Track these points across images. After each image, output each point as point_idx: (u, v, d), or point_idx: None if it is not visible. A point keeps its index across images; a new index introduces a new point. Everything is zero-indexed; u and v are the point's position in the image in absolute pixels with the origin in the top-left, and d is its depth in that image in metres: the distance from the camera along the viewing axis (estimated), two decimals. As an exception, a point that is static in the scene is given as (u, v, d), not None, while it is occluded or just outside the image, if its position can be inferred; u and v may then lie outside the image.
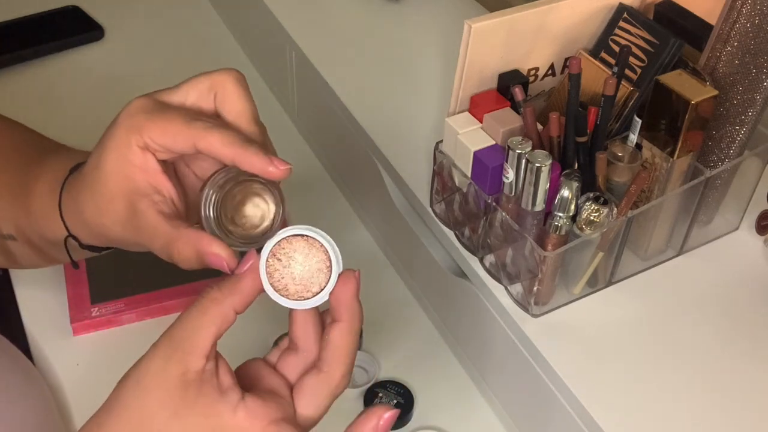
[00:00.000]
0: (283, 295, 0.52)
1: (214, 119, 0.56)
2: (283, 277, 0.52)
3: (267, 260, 0.52)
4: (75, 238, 0.62)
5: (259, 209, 0.55)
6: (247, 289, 0.52)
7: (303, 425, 0.54)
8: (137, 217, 0.56)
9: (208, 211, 0.54)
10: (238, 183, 0.54)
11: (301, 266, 0.52)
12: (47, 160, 0.66)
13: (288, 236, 0.51)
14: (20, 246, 0.68)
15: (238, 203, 0.54)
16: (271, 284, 0.52)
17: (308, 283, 0.52)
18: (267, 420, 0.51)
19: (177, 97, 0.57)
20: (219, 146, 0.53)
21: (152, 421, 0.51)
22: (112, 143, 0.56)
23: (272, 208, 0.54)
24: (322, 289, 0.52)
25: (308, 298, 0.52)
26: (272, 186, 0.54)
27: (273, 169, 0.53)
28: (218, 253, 0.53)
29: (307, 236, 0.52)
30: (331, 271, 0.52)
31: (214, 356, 0.52)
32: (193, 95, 0.57)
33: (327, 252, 0.52)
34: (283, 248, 0.52)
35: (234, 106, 0.57)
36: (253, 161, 0.53)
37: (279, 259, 0.52)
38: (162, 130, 0.54)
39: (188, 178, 0.61)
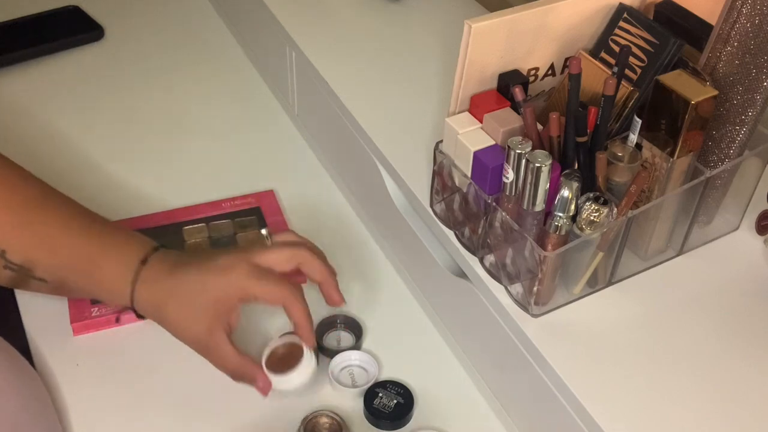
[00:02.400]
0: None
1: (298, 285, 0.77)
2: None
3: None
4: (135, 311, 0.77)
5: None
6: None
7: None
8: (214, 343, 0.74)
9: (263, 361, 0.76)
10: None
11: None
12: (111, 235, 0.78)
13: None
14: (45, 286, 0.77)
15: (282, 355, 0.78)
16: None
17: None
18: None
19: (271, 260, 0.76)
20: (295, 316, 0.75)
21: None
22: (221, 283, 0.73)
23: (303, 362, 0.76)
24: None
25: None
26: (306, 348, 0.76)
27: (309, 340, 0.77)
28: (267, 382, 0.75)
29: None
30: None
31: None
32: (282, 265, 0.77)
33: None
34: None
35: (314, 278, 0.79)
36: (305, 338, 0.76)
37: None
38: (266, 296, 0.74)
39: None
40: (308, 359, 0.75)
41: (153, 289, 0.75)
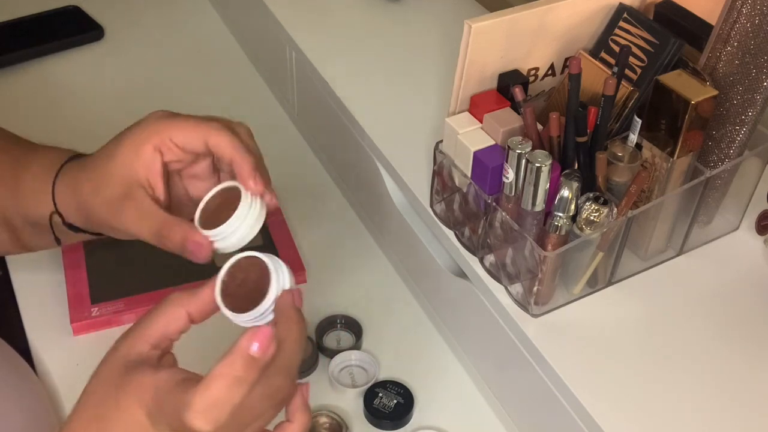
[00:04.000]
0: (229, 309, 0.58)
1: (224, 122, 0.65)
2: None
3: (223, 279, 0.58)
4: (60, 215, 0.68)
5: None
6: (203, 297, 0.58)
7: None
8: (130, 201, 0.62)
9: (196, 218, 0.62)
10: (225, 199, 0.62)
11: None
12: (38, 151, 0.72)
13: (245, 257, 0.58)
14: None
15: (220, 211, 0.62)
16: (222, 299, 0.58)
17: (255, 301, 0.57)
18: (180, 376, 0.55)
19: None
20: (225, 144, 0.62)
21: (95, 395, 0.56)
22: (129, 138, 0.64)
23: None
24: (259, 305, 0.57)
25: (249, 311, 0.57)
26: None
27: (253, 183, 0.62)
28: (200, 242, 0.61)
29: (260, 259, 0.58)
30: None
31: (162, 349, 0.57)
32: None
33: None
34: (241, 268, 0.58)
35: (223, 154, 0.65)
36: (244, 167, 0.62)
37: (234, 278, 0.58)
38: (180, 128, 0.63)
39: (176, 188, 0.69)
40: (247, 201, 0.61)
41: (70, 180, 0.67)
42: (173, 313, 0.58)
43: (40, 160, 0.70)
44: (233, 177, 0.64)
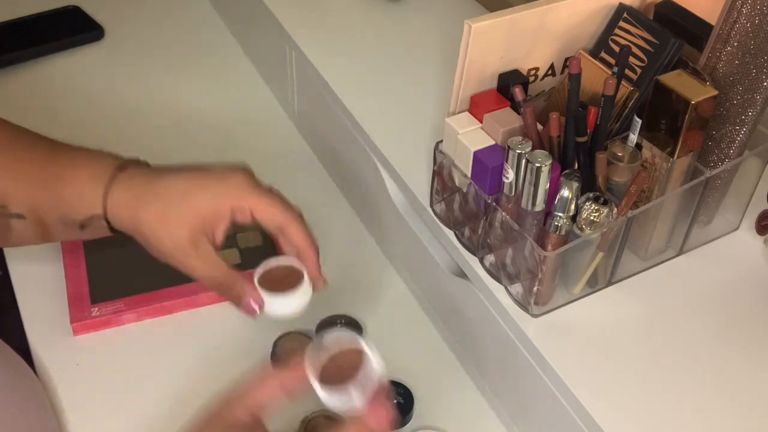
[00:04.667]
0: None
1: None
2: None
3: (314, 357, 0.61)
4: (108, 221, 0.69)
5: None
6: (297, 372, 0.60)
7: None
8: (197, 249, 0.67)
9: (256, 279, 0.69)
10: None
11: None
12: (84, 154, 0.72)
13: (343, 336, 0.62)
14: (25, 224, 0.71)
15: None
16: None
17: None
18: None
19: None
20: (299, 237, 0.68)
21: None
22: (209, 189, 0.67)
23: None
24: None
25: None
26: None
27: (316, 275, 0.70)
28: (257, 301, 0.68)
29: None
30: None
31: (257, 419, 0.59)
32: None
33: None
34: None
35: (297, 243, 0.71)
36: (311, 260, 0.69)
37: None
38: (262, 208, 0.67)
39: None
40: (308, 285, 0.69)
41: (130, 192, 0.68)
42: (270, 387, 0.60)
43: (89, 165, 0.70)
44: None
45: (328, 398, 0.58)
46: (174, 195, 0.66)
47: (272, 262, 0.70)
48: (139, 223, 0.67)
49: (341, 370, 0.59)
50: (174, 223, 0.66)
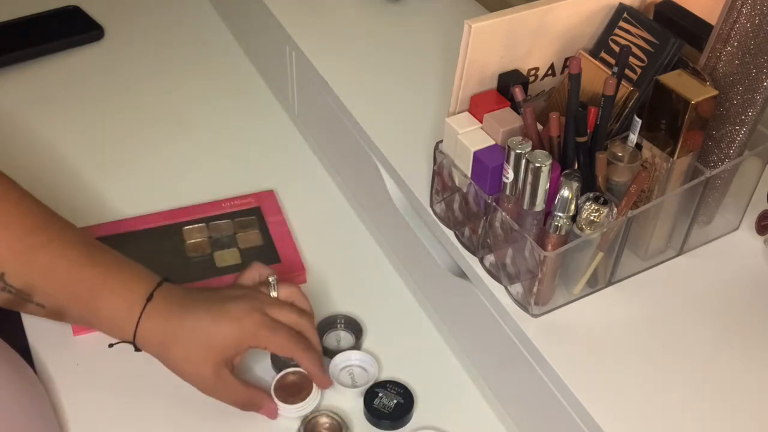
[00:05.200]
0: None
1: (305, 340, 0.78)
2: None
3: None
4: (135, 346, 0.76)
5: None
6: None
7: None
8: (221, 381, 0.75)
9: (272, 387, 0.79)
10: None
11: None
12: (112, 266, 0.77)
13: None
14: (42, 311, 0.76)
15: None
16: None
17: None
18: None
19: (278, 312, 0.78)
20: (307, 365, 0.77)
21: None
22: (230, 333, 0.75)
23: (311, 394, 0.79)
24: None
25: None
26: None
27: (324, 386, 0.79)
28: (273, 410, 0.78)
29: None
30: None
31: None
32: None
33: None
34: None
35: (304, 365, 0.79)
36: (321, 383, 0.79)
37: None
38: (276, 347, 0.76)
39: None
40: (315, 394, 0.78)
41: (158, 328, 0.74)
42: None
43: (122, 289, 0.75)
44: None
45: (280, 406, 0.78)
46: (198, 338, 0.74)
47: (287, 371, 0.80)
48: (166, 359, 0.75)
49: (295, 390, 0.79)
50: (200, 364, 0.74)
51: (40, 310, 0.75)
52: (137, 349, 0.76)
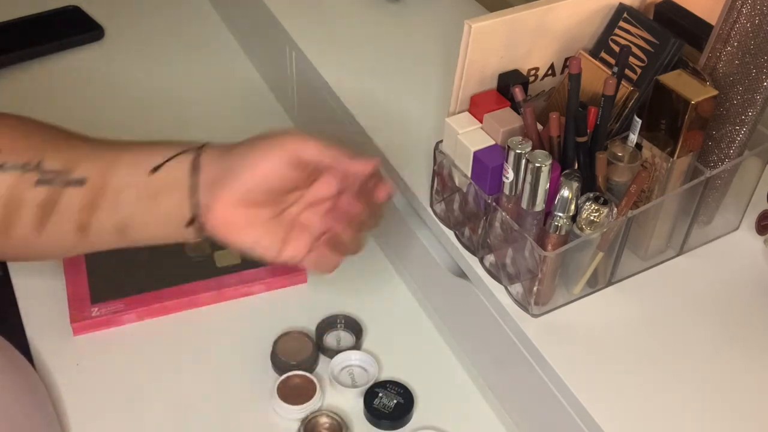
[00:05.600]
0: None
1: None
2: None
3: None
4: (197, 221, 0.69)
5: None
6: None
7: None
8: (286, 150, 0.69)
9: (276, 387, 0.79)
10: None
11: None
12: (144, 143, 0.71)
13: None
14: (81, 194, 0.68)
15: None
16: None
17: None
18: None
19: None
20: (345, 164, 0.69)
21: None
22: (276, 148, 0.70)
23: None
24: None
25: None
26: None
27: (367, 165, 0.70)
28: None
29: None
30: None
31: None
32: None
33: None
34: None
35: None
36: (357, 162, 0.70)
37: None
38: (321, 145, 0.70)
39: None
40: (318, 397, 0.78)
41: (215, 161, 0.69)
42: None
43: (166, 145, 0.70)
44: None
45: (282, 406, 0.77)
46: (250, 145, 0.70)
47: (291, 373, 0.80)
48: (229, 168, 0.68)
49: (298, 393, 0.78)
50: (260, 156, 0.69)
51: (80, 195, 0.68)
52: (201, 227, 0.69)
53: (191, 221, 0.69)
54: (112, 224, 0.69)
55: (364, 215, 0.71)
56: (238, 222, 0.68)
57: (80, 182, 0.68)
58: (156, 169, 0.69)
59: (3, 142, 0.68)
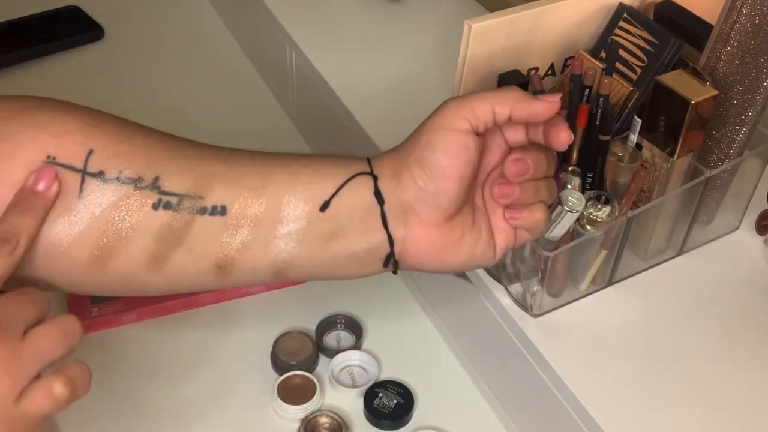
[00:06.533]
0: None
1: None
2: None
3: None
4: (393, 257, 0.58)
5: None
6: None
7: None
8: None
9: (276, 386, 0.78)
10: None
11: None
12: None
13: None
14: (220, 225, 0.55)
15: None
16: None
17: None
18: None
19: None
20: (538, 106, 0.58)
21: None
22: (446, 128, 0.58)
23: None
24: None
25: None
26: None
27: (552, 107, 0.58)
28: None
29: None
30: None
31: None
32: None
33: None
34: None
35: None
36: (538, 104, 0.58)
37: None
38: (483, 100, 0.58)
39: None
40: (318, 397, 0.78)
41: (390, 177, 0.58)
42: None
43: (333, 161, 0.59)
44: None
45: (282, 406, 0.77)
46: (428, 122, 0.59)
47: (291, 374, 0.79)
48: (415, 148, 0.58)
49: (298, 393, 0.78)
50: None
51: (217, 226, 0.55)
52: (395, 264, 0.59)
53: (387, 260, 0.59)
54: (267, 264, 0.58)
55: (543, 163, 0.60)
56: (439, 241, 0.58)
57: (219, 211, 0.55)
58: (326, 205, 0.57)
59: (99, 142, 0.56)
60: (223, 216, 0.55)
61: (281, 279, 0.59)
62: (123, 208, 0.54)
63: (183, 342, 0.84)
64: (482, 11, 1.05)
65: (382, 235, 0.57)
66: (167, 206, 0.54)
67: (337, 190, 0.57)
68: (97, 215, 0.54)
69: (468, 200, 0.60)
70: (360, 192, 0.57)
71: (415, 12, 1.07)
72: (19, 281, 0.53)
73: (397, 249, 0.58)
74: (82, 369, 0.51)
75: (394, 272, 0.60)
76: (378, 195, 0.57)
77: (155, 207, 0.54)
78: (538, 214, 0.60)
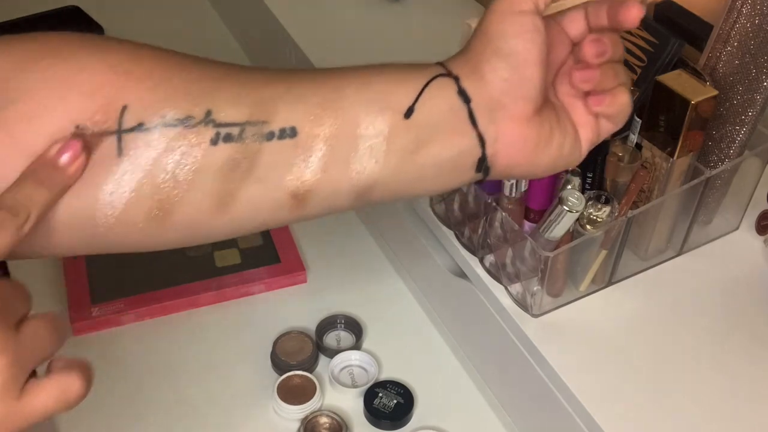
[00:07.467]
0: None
1: None
2: None
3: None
4: (485, 160, 0.53)
5: None
6: None
7: None
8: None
9: (276, 386, 0.79)
10: None
11: None
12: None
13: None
14: (291, 148, 0.50)
15: None
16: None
17: None
18: None
19: None
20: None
21: None
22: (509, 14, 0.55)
23: None
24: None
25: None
26: None
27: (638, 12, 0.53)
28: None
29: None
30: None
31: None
32: None
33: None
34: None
35: None
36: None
37: None
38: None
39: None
40: (318, 397, 0.78)
41: (471, 73, 0.55)
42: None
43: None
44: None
45: (282, 406, 0.77)
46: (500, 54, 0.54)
47: (291, 374, 0.79)
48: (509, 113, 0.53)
49: (298, 393, 0.78)
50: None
51: (288, 150, 0.50)
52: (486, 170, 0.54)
53: (479, 164, 0.54)
54: (348, 186, 0.53)
55: (619, 43, 0.55)
56: (533, 136, 0.53)
57: (289, 134, 0.50)
58: (410, 111, 0.53)
59: (133, 92, 0.49)
60: (294, 138, 0.50)
61: (363, 203, 0.54)
62: (177, 152, 0.49)
63: (183, 342, 0.84)
64: (482, 11, 1.05)
65: (471, 138, 0.53)
66: (228, 138, 0.49)
67: (420, 94, 0.54)
68: (148, 169, 0.48)
69: (547, 95, 0.55)
70: (443, 94, 0.54)
71: (415, 12, 1.07)
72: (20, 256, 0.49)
73: (488, 151, 0.53)
74: (86, 367, 0.49)
75: (483, 180, 0.55)
76: (463, 94, 0.54)
77: (214, 142, 0.49)
78: (622, 97, 0.55)
